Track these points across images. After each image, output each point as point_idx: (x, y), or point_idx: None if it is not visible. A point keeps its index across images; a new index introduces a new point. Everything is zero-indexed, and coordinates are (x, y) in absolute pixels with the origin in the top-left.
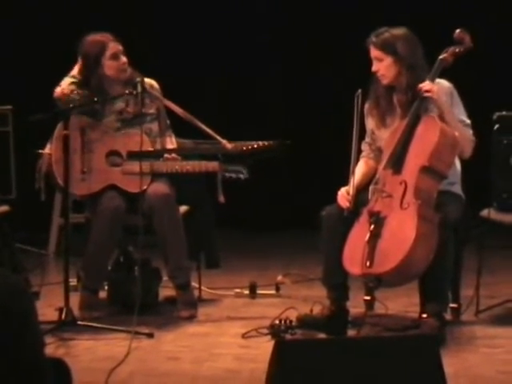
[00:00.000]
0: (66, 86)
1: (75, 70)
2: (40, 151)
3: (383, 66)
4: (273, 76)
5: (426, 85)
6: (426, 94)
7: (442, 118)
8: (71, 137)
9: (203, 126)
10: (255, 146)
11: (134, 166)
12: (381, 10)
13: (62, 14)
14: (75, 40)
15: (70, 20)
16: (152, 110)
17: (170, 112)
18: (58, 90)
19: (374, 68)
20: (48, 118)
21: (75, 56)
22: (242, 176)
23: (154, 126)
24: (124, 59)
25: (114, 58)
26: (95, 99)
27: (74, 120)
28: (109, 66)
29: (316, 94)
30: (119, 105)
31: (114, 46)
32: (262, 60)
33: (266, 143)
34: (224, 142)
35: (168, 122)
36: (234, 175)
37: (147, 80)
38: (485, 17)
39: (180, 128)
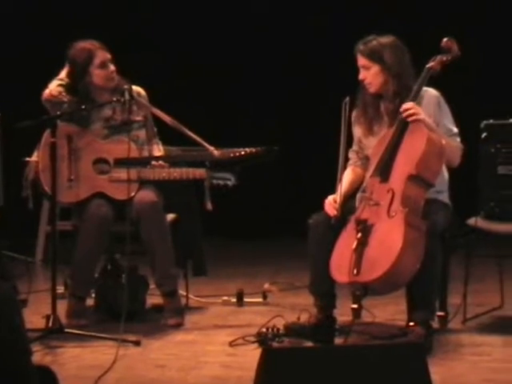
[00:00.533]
0: (53, 87)
1: (63, 74)
2: (27, 159)
3: (370, 75)
4: (261, 82)
5: (409, 108)
6: (412, 118)
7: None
8: (58, 144)
9: (190, 133)
10: (242, 152)
11: (122, 173)
12: (370, 16)
13: (49, 20)
14: (63, 46)
15: (59, 26)
16: (139, 118)
17: (156, 119)
18: (46, 92)
19: (360, 76)
20: (35, 125)
21: (63, 62)
22: (229, 183)
23: (141, 134)
24: (112, 68)
25: (103, 67)
26: (83, 107)
27: (62, 127)
28: (97, 75)
29: (303, 101)
30: (106, 112)
31: (102, 55)
32: (251, 66)
33: (253, 150)
34: (211, 148)
35: (155, 129)
36: (221, 182)
37: (134, 87)
38: (472, 25)
39: (167, 135)
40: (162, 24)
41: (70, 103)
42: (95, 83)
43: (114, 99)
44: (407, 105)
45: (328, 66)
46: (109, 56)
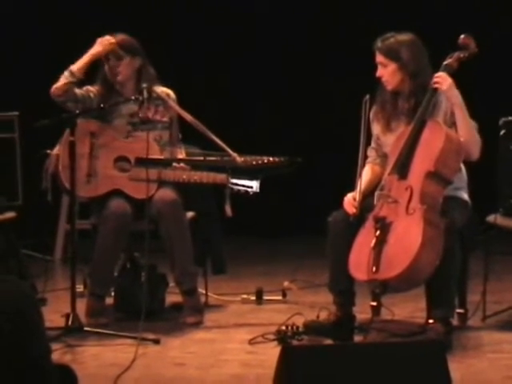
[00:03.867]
0: (58, 82)
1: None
2: (48, 151)
3: (387, 72)
4: (272, 78)
5: (439, 76)
6: (435, 85)
7: (447, 120)
8: (80, 141)
9: (215, 138)
10: (265, 161)
11: (142, 172)
12: (388, 14)
13: (70, 19)
14: (81, 45)
15: (79, 25)
16: (165, 119)
17: (181, 120)
18: (52, 89)
19: (378, 73)
20: (54, 123)
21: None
22: (250, 191)
23: (165, 135)
24: (112, 63)
25: (107, 61)
26: (101, 105)
27: (83, 124)
28: (106, 67)
29: (321, 100)
30: (131, 108)
31: (109, 48)
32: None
33: (276, 159)
34: (234, 155)
35: (180, 135)
36: (242, 189)
37: (164, 89)
38: (490, 21)
39: (189, 136)
40: (187, 25)
41: (96, 95)
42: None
43: (133, 97)
44: (439, 73)
45: (346, 63)
46: (115, 50)
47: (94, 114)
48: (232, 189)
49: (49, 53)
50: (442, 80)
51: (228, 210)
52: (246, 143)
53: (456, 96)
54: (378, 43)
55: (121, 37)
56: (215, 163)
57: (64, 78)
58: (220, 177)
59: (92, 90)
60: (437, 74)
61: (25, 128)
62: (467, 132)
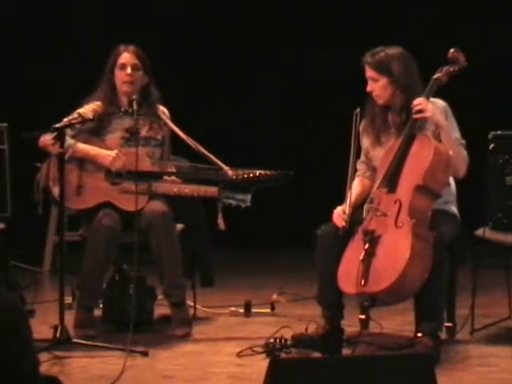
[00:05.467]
0: (46, 137)
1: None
2: (38, 164)
3: (378, 87)
4: (266, 90)
5: (418, 103)
6: (417, 116)
7: (437, 135)
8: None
9: (206, 152)
10: (257, 174)
11: (133, 185)
12: (377, 27)
13: (57, 29)
14: (71, 57)
15: (65, 34)
16: (159, 136)
17: (174, 135)
18: (40, 140)
19: (368, 88)
20: (44, 134)
21: (72, 74)
22: (242, 204)
23: (157, 151)
24: (128, 71)
25: (121, 68)
26: (90, 117)
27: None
28: (116, 76)
29: (310, 113)
30: (128, 122)
31: (125, 57)
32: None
33: (268, 172)
34: (226, 168)
35: (170, 153)
36: (233, 203)
37: (160, 106)
38: (480, 35)
39: (180, 149)
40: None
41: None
42: (116, 85)
43: (122, 109)
44: (418, 100)
45: (334, 77)
46: (133, 61)
47: (87, 127)
48: (224, 202)
49: (38, 63)
50: (424, 107)
51: (221, 223)
52: (238, 157)
53: (440, 119)
54: (368, 58)
55: (140, 50)
56: (207, 176)
57: (58, 140)
58: (211, 190)
59: (89, 113)
60: (416, 102)
61: (14, 139)
62: (453, 151)
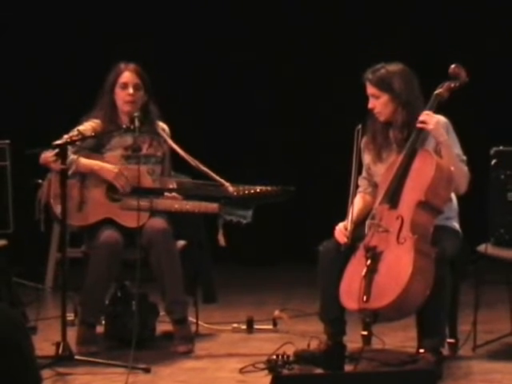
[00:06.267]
0: (48, 153)
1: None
2: (39, 181)
3: (379, 104)
4: (267, 108)
5: (422, 115)
6: (420, 126)
7: (438, 150)
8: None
9: (207, 170)
10: (258, 190)
11: (134, 201)
12: (379, 42)
13: (59, 47)
14: (74, 73)
15: (69, 53)
16: (159, 153)
17: (174, 153)
18: (41, 157)
19: (370, 105)
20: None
21: (74, 88)
22: (243, 220)
23: (157, 168)
24: (130, 91)
25: (123, 88)
26: (92, 133)
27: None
28: (117, 94)
29: (312, 129)
30: (127, 140)
31: (126, 76)
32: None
33: (269, 188)
34: (227, 184)
35: (170, 169)
36: (234, 219)
37: (160, 124)
38: (481, 51)
39: (181, 166)
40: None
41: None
42: (116, 103)
43: (124, 126)
44: (425, 112)
45: (334, 92)
46: (135, 80)
47: (87, 145)
48: (225, 218)
49: (41, 80)
50: (429, 119)
51: (221, 239)
52: (238, 172)
53: (442, 134)
54: (369, 75)
55: (139, 67)
56: (208, 192)
57: (59, 157)
58: (212, 206)
59: (88, 131)
60: (423, 113)
61: (16, 156)
62: (454, 167)
